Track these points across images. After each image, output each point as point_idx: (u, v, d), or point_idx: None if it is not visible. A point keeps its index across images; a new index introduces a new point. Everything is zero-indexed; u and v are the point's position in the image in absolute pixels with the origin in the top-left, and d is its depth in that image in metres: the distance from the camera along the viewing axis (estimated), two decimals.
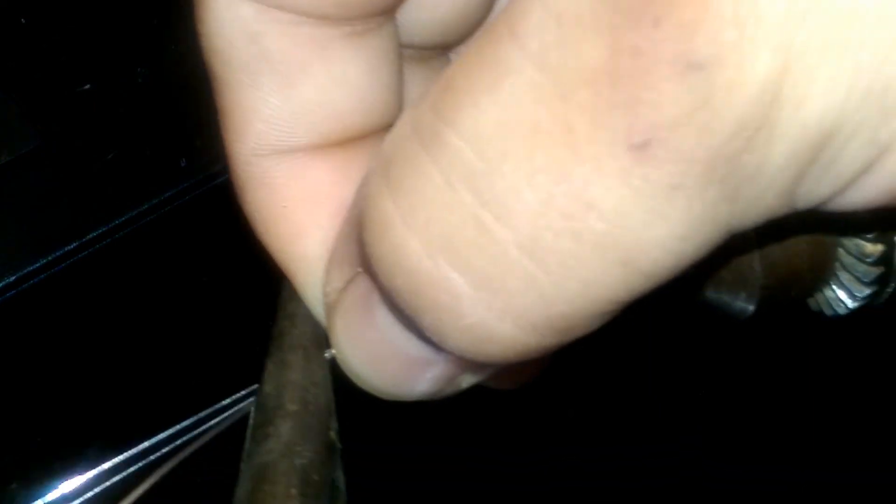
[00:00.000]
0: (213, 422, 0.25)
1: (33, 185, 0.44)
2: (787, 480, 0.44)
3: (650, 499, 0.44)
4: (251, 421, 0.23)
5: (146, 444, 0.26)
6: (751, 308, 0.26)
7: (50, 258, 0.43)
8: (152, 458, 0.27)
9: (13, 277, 0.42)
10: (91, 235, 0.43)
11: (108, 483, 0.27)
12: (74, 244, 0.43)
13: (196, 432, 0.25)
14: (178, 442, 0.25)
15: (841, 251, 0.26)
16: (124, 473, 0.27)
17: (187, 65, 0.48)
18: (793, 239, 0.25)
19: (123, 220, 0.44)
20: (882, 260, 0.26)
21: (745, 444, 0.45)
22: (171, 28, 0.48)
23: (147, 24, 0.47)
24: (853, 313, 0.28)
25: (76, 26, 0.46)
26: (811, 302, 0.28)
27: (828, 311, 0.27)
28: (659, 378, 0.45)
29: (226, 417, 0.25)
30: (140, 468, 0.27)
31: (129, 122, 0.45)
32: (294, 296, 0.25)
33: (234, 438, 0.25)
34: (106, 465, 0.27)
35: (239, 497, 0.21)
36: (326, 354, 0.25)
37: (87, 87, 0.45)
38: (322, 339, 0.25)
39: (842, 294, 0.27)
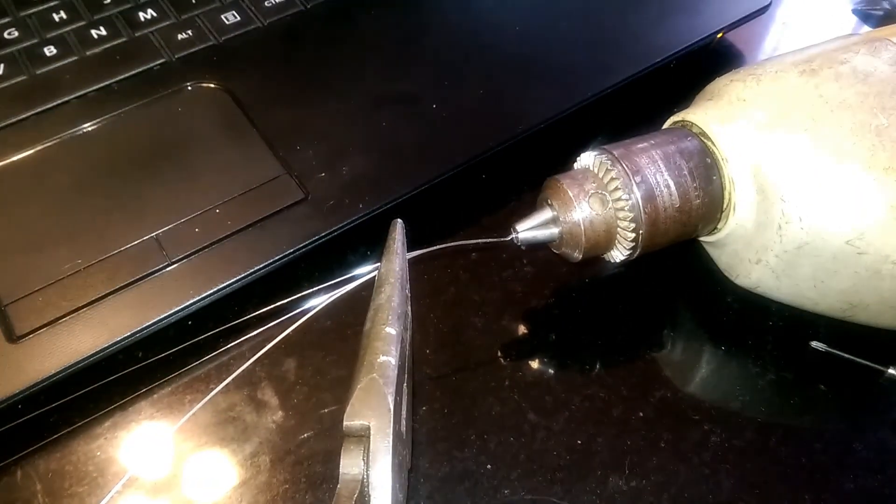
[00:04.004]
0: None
1: (411, 121, 0.59)
2: None
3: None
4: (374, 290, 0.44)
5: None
6: (579, 256, 0.54)
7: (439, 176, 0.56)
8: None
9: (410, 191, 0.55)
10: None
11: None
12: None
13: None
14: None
15: (619, 232, 0.53)
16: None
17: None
18: (600, 226, 0.51)
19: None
20: (635, 239, 0.52)
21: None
22: None
23: None
24: (623, 264, 0.53)
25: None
26: (607, 256, 0.55)
27: (611, 261, 0.54)
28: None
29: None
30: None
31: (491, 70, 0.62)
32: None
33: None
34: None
35: (366, 328, 0.42)
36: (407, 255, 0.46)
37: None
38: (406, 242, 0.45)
39: (616, 253, 0.53)
